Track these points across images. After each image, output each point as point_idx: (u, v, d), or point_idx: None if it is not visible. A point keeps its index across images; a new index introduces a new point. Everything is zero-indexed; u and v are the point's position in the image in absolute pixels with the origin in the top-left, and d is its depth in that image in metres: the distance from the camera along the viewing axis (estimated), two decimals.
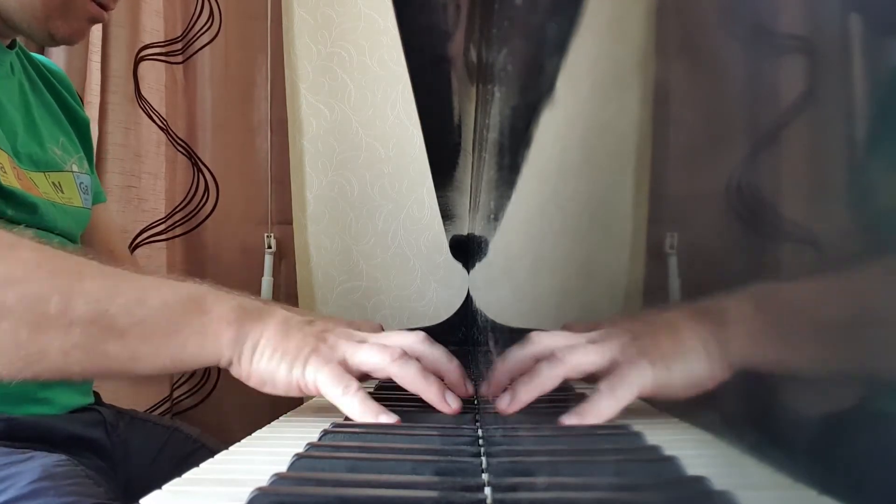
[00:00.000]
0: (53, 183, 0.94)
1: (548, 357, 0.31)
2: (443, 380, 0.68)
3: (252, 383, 0.67)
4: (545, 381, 0.31)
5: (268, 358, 0.66)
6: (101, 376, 0.75)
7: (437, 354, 0.69)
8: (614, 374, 0.25)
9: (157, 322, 0.63)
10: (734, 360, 0.17)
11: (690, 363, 0.19)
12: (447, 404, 0.65)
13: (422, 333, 0.70)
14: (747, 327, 0.17)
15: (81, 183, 1.00)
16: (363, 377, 0.68)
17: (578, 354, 0.29)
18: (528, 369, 0.33)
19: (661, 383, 0.22)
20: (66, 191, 0.96)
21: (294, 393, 0.67)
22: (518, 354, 0.34)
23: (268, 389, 0.67)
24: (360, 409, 0.63)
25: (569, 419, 0.30)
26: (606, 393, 0.26)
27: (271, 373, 0.65)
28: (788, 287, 0.15)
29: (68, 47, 1.47)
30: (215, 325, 0.65)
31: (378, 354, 0.65)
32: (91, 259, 0.64)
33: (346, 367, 0.66)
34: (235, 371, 0.66)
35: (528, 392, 0.32)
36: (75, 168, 1.00)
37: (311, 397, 0.80)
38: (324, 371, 0.64)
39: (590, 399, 0.28)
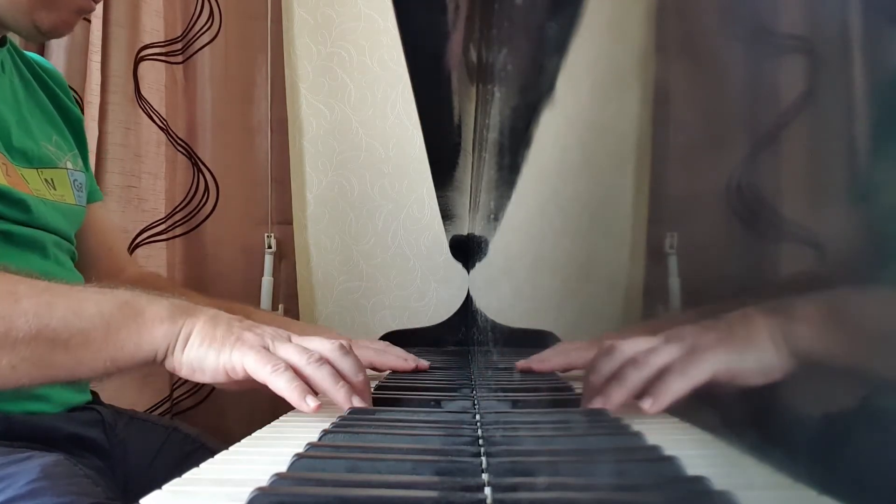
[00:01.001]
0: (46, 179, 0.93)
1: (632, 362, 0.32)
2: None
3: (183, 373, 0.71)
4: (632, 384, 0.32)
5: (196, 346, 0.70)
6: (48, 383, 0.79)
7: (347, 365, 0.74)
8: (687, 355, 0.25)
9: (96, 328, 0.68)
10: (798, 357, 0.18)
11: (761, 353, 0.19)
12: (350, 404, 0.70)
13: (338, 342, 0.76)
14: (814, 327, 0.17)
15: (75, 180, 0.99)
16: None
17: (661, 356, 0.29)
18: (614, 375, 0.34)
19: (733, 369, 0.22)
20: (58, 187, 0.95)
21: (221, 378, 0.71)
22: (606, 365, 0.35)
23: (197, 377, 0.71)
24: (288, 388, 0.67)
25: (645, 403, 0.31)
26: (678, 372, 0.26)
27: (200, 360, 0.70)
28: (857, 293, 0.15)
29: (68, 47, 1.47)
30: (149, 324, 0.69)
31: (298, 354, 0.71)
32: (23, 277, 0.69)
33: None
34: (168, 364, 0.70)
35: (621, 397, 0.34)
36: (69, 165, 0.99)
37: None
38: (251, 354, 0.69)
39: (661, 380, 0.28)
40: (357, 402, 0.71)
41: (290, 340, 0.73)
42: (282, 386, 0.67)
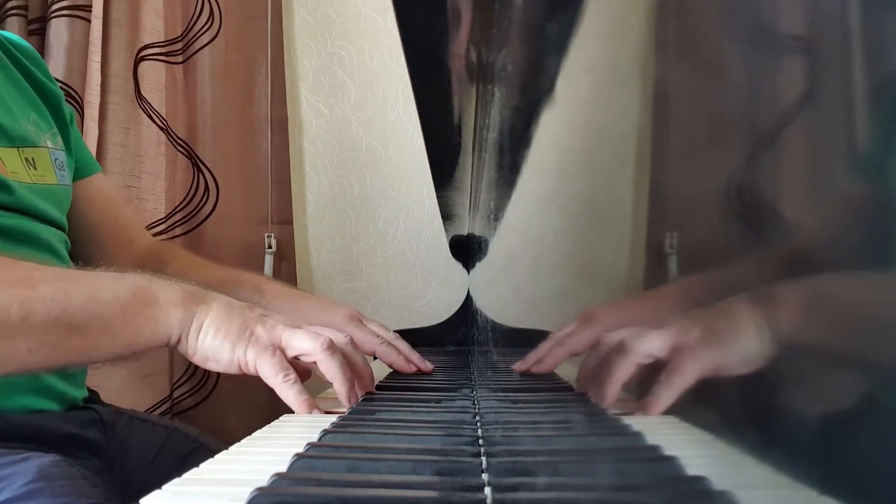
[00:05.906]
0: (26, 159, 0.90)
1: (617, 348, 0.33)
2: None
3: (196, 360, 0.74)
4: (621, 371, 0.33)
5: (212, 336, 0.73)
6: (64, 367, 0.82)
7: (357, 359, 0.79)
8: (672, 365, 0.26)
9: (113, 314, 0.69)
10: (782, 343, 0.18)
11: (745, 343, 0.20)
12: (348, 401, 0.74)
13: (349, 336, 0.81)
14: (796, 313, 0.17)
15: (56, 159, 0.95)
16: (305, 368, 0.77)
17: (645, 342, 0.30)
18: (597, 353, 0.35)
19: (718, 365, 0.23)
20: (39, 167, 0.91)
21: (234, 371, 0.74)
22: (595, 357, 0.36)
23: (210, 366, 0.74)
24: (297, 401, 0.72)
25: (638, 413, 0.32)
26: (665, 385, 0.27)
27: (215, 350, 0.73)
28: (839, 279, 0.15)
29: (68, 47, 1.47)
30: (164, 310, 0.72)
31: (311, 341, 0.73)
32: (36, 264, 0.71)
33: (281, 349, 0.73)
34: (182, 349, 0.73)
35: (613, 385, 0.35)
36: (49, 144, 0.95)
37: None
38: (265, 357, 0.72)
39: (652, 392, 0.29)
40: (354, 401, 0.75)
41: (301, 329, 0.76)
42: (290, 397, 0.71)
